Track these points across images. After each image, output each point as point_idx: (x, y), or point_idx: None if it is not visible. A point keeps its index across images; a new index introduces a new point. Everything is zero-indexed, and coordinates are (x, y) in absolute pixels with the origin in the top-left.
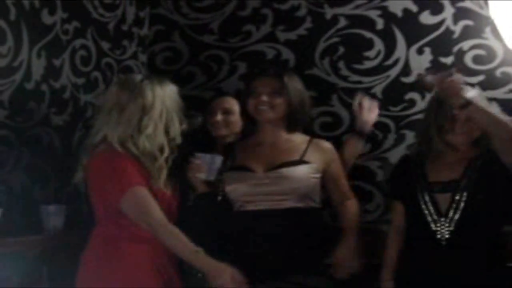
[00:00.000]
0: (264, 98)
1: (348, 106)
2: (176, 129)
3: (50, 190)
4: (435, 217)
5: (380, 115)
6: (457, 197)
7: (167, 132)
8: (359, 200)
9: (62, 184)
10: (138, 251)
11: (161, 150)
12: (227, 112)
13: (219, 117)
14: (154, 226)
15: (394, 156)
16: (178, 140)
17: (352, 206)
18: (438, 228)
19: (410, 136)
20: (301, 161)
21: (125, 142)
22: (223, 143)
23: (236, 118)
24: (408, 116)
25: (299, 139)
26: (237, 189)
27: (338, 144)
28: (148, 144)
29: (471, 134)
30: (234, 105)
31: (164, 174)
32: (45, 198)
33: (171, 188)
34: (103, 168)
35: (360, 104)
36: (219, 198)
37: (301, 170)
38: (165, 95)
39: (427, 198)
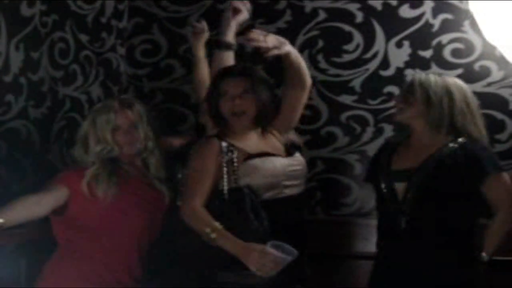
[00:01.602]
0: (238, 101)
1: (327, 100)
2: (91, 150)
3: (28, 183)
4: (393, 205)
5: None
6: (410, 188)
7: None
8: (336, 193)
9: (40, 178)
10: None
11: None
12: None
13: None
14: None
15: (373, 149)
16: (92, 157)
17: None
18: (396, 217)
19: (388, 129)
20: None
21: None
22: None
23: None
24: (386, 109)
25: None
26: (273, 173)
27: (317, 137)
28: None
29: (409, 113)
30: None
31: (99, 181)
32: (23, 191)
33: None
34: None
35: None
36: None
37: None
38: (92, 122)
39: (385, 186)
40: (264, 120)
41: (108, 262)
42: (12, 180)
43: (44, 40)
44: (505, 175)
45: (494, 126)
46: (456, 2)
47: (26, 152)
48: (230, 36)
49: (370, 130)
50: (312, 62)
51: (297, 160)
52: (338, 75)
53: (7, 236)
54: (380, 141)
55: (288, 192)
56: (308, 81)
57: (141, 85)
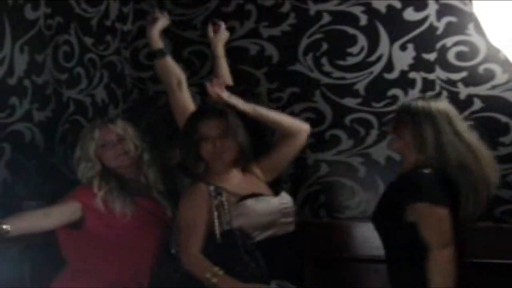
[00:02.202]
0: (218, 143)
1: (331, 103)
2: (80, 170)
3: (32, 186)
4: None
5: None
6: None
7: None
8: (340, 196)
9: (45, 180)
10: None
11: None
12: None
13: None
14: None
15: (377, 152)
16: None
17: None
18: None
19: None
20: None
21: None
22: None
23: None
24: (391, 112)
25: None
26: (268, 211)
27: (321, 140)
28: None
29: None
30: None
31: (115, 197)
32: (27, 194)
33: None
34: None
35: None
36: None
37: None
38: (80, 142)
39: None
40: (243, 160)
41: (119, 278)
42: (16, 183)
43: (48, 43)
44: (441, 212)
45: (498, 129)
46: (460, 5)
47: (30, 155)
48: (158, 44)
49: (374, 133)
50: (316, 65)
51: (286, 198)
52: (342, 78)
53: (12, 240)
54: (384, 144)
55: (286, 229)
56: (296, 130)
57: (145, 88)
